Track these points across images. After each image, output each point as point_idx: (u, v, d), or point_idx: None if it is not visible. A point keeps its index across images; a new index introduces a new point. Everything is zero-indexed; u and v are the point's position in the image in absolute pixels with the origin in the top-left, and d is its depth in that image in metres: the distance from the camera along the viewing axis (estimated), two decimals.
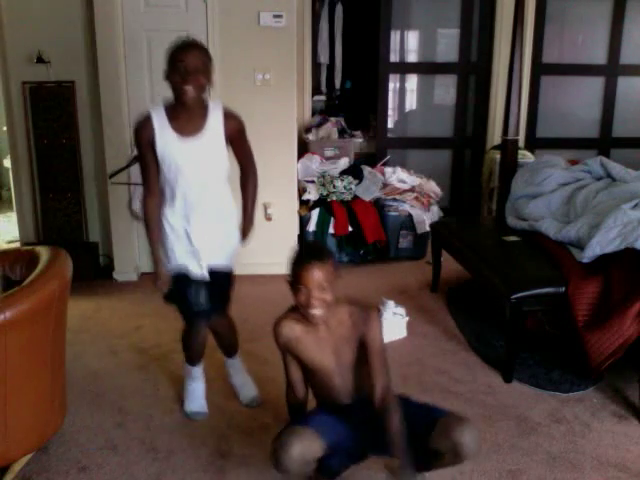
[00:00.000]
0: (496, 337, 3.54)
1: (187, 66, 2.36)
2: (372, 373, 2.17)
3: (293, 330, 2.21)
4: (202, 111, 2.50)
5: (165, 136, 2.46)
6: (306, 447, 2.03)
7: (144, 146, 2.49)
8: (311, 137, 5.47)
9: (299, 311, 2.16)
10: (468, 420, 2.09)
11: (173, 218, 2.56)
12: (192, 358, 2.85)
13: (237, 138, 2.58)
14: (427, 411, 2.18)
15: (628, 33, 5.84)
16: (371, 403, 2.18)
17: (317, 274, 2.05)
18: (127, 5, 4.18)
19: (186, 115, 2.47)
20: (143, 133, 2.48)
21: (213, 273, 2.62)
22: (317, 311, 2.09)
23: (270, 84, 4.39)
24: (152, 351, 3.45)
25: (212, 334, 2.88)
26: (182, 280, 2.60)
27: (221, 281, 2.68)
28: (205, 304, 2.63)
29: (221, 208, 2.62)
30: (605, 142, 6.10)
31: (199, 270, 2.59)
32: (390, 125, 6.11)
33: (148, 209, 2.57)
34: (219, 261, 2.63)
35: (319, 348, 2.20)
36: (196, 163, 2.50)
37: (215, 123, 2.50)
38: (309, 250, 2.18)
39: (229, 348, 2.95)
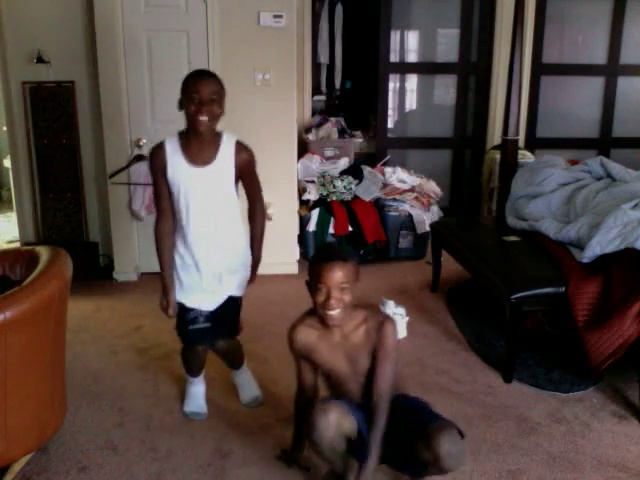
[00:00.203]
0: (496, 337, 3.54)
1: (202, 97, 2.38)
2: (375, 374, 2.14)
3: (308, 336, 2.19)
4: (215, 141, 2.52)
5: (176, 164, 2.49)
6: (343, 418, 2.06)
7: (157, 172, 2.52)
8: (311, 137, 5.47)
9: (313, 316, 2.15)
10: (452, 430, 2.03)
11: (182, 248, 2.58)
12: (192, 372, 2.87)
13: (247, 171, 2.60)
14: (419, 416, 2.16)
15: (628, 33, 5.85)
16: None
17: (338, 274, 2.03)
18: (127, 5, 4.18)
19: (199, 144, 2.49)
20: (156, 160, 2.51)
21: (222, 303, 2.65)
22: (335, 312, 2.06)
23: (270, 84, 4.38)
24: (152, 351, 3.45)
25: (220, 355, 2.88)
26: (184, 309, 2.63)
27: (229, 309, 2.70)
28: (204, 335, 2.67)
29: (230, 239, 2.62)
30: (605, 142, 6.10)
31: (205, 304, 2.62)
32: (390, 125, 6.11)
33: (160, 234, 2.58)
34: (228, 293, 2.65)
35: (334, 354, 2.19)
36: (205, 192, 2.51)
37: (226, 154, 2.52)
38: (331, 250, 2.17)
39: (233, 365, 2.96)
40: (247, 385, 2.97)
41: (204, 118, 2.40)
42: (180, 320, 2.67)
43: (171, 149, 2.49)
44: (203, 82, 2.42)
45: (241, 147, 2.56)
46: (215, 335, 2.73)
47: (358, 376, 2.19)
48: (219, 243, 2.58)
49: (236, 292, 2.68)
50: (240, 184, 2.65)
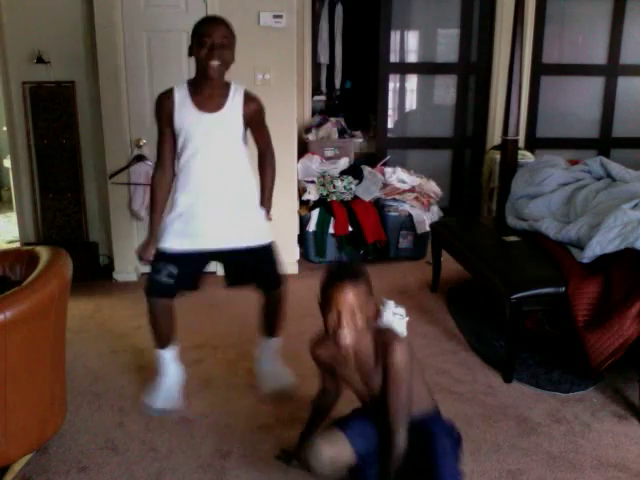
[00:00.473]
0: (496, 337, 3.54)
1: (213, 40, 2.39)
2: (386, 398, 2.07)
3: (325, 352, 2.18)
4: (224, 89, 2.52)
5: (184, 110, 2.48)
6: (337, 453, 2.05)
7: (162, 119, 2.51)
8: (311, 137, 5.47)
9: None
10: None
11: (187, 194, 2.56)
12: (161, 339, 2.78)
13: (256, 120, 2.61)
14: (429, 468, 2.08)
15: (628, 33, 5.85)
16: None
17: (349, 295, 1.95)
18: (127, 5, 4.17)
19: (208, 91, 2.49)
20: (163, 105, 2.50)
21: (243, 253, 2.62)
22: (346, 338, 1.98)
23: (270, 84, 4.38)
24: (152, 351, 3.44)
25: (260, 308, 2.84)
26: (161, 255, 2.62)
27: (262, 259, 2.68)
28: (168, 280, 2.61)
29: (238, 184, 2.61)
30: (605, 142, 6.10)
31: (193, 245, 2.58)
32: (390, 125, 6.11)
33: (159, 183, 2.58)
34: (236, 242, 2.62)
35: (348, 372, 2.17)
36: (213, 137, 2.51)
37: (236, 102, 2.53)
38: (342, 269, 2.08)
39: (270, 329, 2.88)
40: (274, 374, 2.90)
41: (215, 62, 2.40)
42: (150, 268, 2.65)
43: (179, 96, 2.49)
44: (214, 26, 2.44)
45: (250, 96, 2.58)
46: (178, 291, 2.67)
47: (374, 393, 2.15)
48: (228, 187, 2.58)
49: (258, 241, 2.65)
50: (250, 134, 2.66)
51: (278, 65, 4.36)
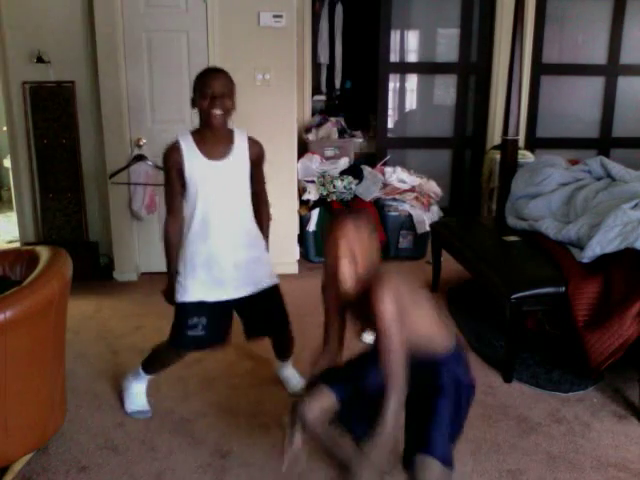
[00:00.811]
0: (496, 337, 3.54)
1: (214, 91, 2.44)
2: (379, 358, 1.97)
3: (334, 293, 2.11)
4: (228, 136, 2.58)
5: (193, 159, 2.52)
6: (316, 398, 2.06)
7: (172, 171, 2.54)
8: (311, 137, 5.47)
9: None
10: (434, 469, 1.96)
11: (200, 244, 2.58)
12: (155, 372, 2.85)
13: (257, 164, 2.66)
14: (419, 420, 2.04)
15: (628, 33, 5.85)
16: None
17: (350, 238, 1.91)
18: (127, 5, 4.18)
19: (213, 139, 2.54)
20: (172, 158, 2.53)
21: (256, 297, 2.67)
22: (346, 281, 1.95)
23: (270, 84, 4.38)
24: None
25: (272, 345, 2.96)
26: (186, 312, 2.63)
27: (273, 300, 2.74)
28: (199, 343, 2.68)
29: (247, 232, 2.66)
30: (605, 142, 6.10)
31: (229, 294, 2.63)
32: (390, 125, 6.10)
33: (173, 232, 2.61)
34: (262, 283, 2.68)
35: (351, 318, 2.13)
36: (223, 185, 2.56)
37: (241, 147, 2.58)
38: (345, 214, 2.02)
39: (282, 356, 3.03)
40: (294, 377, 3.02)
41: (218, 112, 2.45)
42: (179, 322, 2.66)
43: (186, 147, 2.52)
44: (215, 77, 2.49)
45: (253, 141, 2.64)
46: (210, 344, 2.75)
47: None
48: (238, 234, 2.62)
49: (270, 281, 2.71)
50: None
51: (278, 65, 4.36)
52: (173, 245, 2.63)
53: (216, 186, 2.54)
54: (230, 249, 2.60)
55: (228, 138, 2.57)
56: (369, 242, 1.96)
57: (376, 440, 1.94)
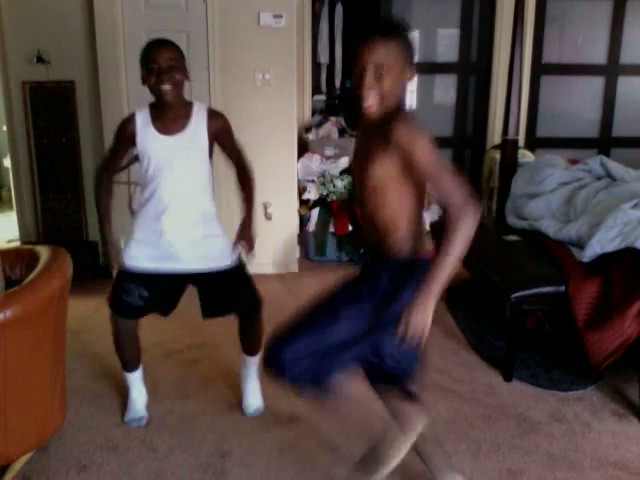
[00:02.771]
0: (496, 336, 3.53)
1: (160, 65, 2.36)
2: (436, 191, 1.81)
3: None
4: (186, 110, 2.50)
5: (146, 134, 2.48)
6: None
7: (121, 139, 2.52)
8: (311, 137, 5.47)
9: None
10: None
11: (151, 218, 2.55)
12: (125, 363, 2.79)
13: (224, 137, 2.57)
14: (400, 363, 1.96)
15: (628, 33, 5.85)
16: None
17: (377, 52, 1.72)
18: (127, 5, 4.18)
19: (169, 114, 2.48)
20: (125, 129, 2.51)
21: (215, 276, 2.60)
22: (368, 99, 1.77)
23: (270, 84, 4.39)
24: (152, 351, 3.44)
25: (238, 329, 2.84)
26: (125, 277, 2.60)
27: (231, 283, 2.66)
28: (134, 311, 2.62)
29: (202, 212, 2.58)
30: (605, 142, 6.10)
31: (168, 267, 2.56)
32: None
33: (102, 183, 2.61)
34: (211, 264, 2.59)
35: (355, 153, 1.99)
36: (176, 160, 2.49)
37: (198, 122, 2.50)
38: (377, 23, 1.86)
39: (248, 349, 2.87)
40: (252, 394, 2.89)
41: (166, 87, 2.38)
42: (116, 285, 2.63)
43: (141, 120, 2.49)
44: (158, 50, 2.39)
45: (213, 113, 2.56)
46: (145, 314, 2.67)
47: (365, 190, 1.90)
48: (192, 213, 2.55)
49: (222, 263, 2.60)
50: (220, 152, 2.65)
51: (278, 65, 4.37)
52: (102, 198, 2.62)
53: (169, 162, 2.48)
54: (182, 228, 2.53)
55: (186, 111, 2.49)
56: (399, 62, 1.77)
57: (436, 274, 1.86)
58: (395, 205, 1.85)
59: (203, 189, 2.58)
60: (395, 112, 1.80)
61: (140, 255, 2.57)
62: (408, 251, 1.91)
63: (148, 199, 2.55)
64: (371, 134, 1.85)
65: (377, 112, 1.80)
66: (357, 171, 1.96)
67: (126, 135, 2.49)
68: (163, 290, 2.66)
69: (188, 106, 2.52)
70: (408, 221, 1.88)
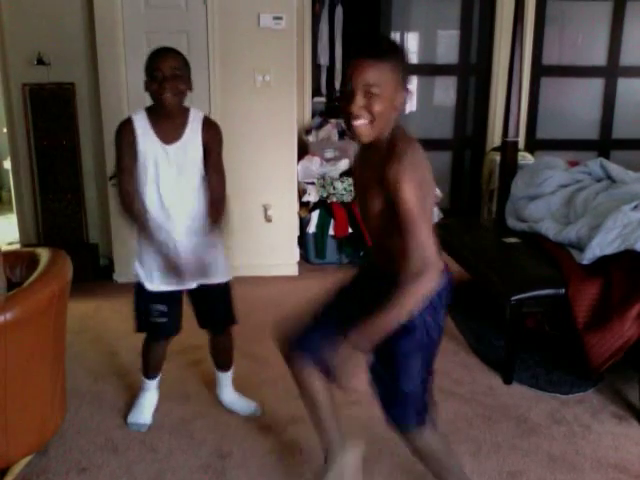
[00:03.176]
0: (496, 338, 3.53)
1: (164, 73, 2.35)
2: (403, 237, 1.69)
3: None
4: (183, 117, 2.50)
5: (147, 140, 2.46)
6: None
7: (124, 146, 2.47)
8: (311, 139, 5.47)
9: None
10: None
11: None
12: (148, 372, 2.82)
13: (212, 148, 2.54)
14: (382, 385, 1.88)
15: (628, 34, 5.85)
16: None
17: (367, 73, 1.64)
18: (127, 6, 4.18)
19: (167, 122, 2.47)
20: (125, 135, 2.47)
21: (204, 290, 2.60)
22: (359, 124, 1.68)
23: (270, 86, 4.39)
24: None
25: (209, 346, 2.86)
26: (147, 297, 2.60)
27: (214, 298, 2.67)
28: (170, 322, 2.63)
29: (198, 220, 2.56)
30: (605, 144, 6.10)
31: (179, 284, 2.55)
32: None
33: (134, 198, 2.47)
34: (207, 276, 2.55)
35: (356, 179, 1.94)
36: (174, 169, 2.49)
37: (193, 131, 2.50)
38: (368, 42, 1.75)
39: (223, 364, 2.90)
40: (239, 401, 2.90)
41: (168, 95, 2.37)
42: (143, 308, 2.62)
43: (140, 126, 2.46)
44: (163, 58, 2.38)
45: (208, 123, 2.54)
46: (173, 331, 2.68)
47: (368, 217, 1.84)
48: (194, 219, 2.54)
49: (223, 277, 2.62)
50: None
51: (278, 67, 4.37)
52: (134, 204, 2.46)
53: (170, 170, 2.47)
54: (186, 234, 2.52)
55: (182, 118, 2.48)
56: (391, 86, 1.69)
57: (368, 326, 1.67)
58: (396, 236, 1.74)
59: (201, 199, 2.57)
60: (391, 140, 1.73)
61: (156, 275, 2.56)
62: None
63: (152, 207, 2.53)
64: (368, 161, 1.79)
65: (369, 136, 1.72)
66: (359, 193, 1.88)
67: (128, 141, 2.46)
68: (175, 305, 2.66)
69: (185, 113, 2.51)
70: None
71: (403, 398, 1.89)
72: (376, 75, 1.65)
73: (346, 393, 1.77)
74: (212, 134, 2.53)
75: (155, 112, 2.48)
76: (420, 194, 1.66)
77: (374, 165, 1.72)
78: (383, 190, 1.69)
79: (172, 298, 2.61)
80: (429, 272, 1.67)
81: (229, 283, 2.70)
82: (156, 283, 2.57)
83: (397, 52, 1.73)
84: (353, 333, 1.68)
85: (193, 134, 2.50)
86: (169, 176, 2.49)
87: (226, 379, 2.91)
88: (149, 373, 2.82)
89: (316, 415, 2.16)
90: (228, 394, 2.92)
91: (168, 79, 2.35)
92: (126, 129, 2.47)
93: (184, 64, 2.44)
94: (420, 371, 1.88)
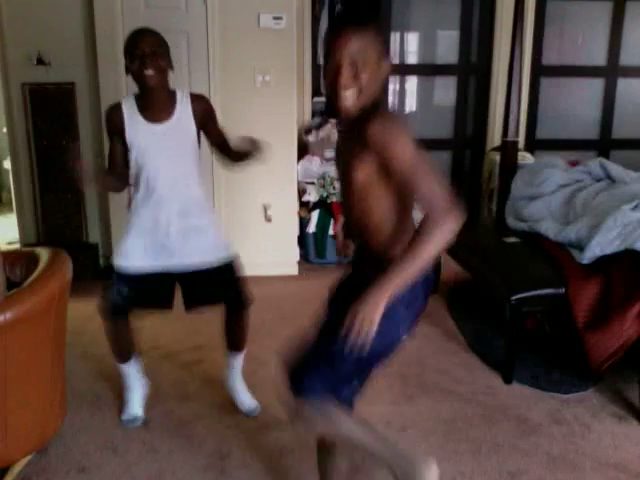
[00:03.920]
0: (496, 338, 3.54)
1: (143, 51, 2.37)
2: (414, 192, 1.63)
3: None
4: (170, 98, 2.52)
5: (134, 123, 2.48)
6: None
7: (114, 133, 2.52)
8: (311, 138, 5.47)
9: None
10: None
11: (143, 208, 2.56)
12: (119, 354, 2.77)
13: (208, 119, 2.58)
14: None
15: (628, 34, 5.85)
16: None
17: (352, 45, 1.65)
18: (127, 6, 4.18)
19: (154, 102, 2.49)
20: (112, 120, 2.51)
21: (202, 272, 2.59)
22: (346, 98, 1.67)
23: (270, 85, 4.39)
24: (152, 352, 3.45)
25: (224, 324, 2.81)
26: (121, 275, 2.60)
27: (221, 278, 2.65)
28: (123, 300, 2.61)
29: (193, 198, 2.58)
30: (605, 143, 6.10)
31: (165, 262, 2.56)
32: None
33: (116, 165, 2.60)
34: (203, 258, 2.58)
35: (337, 154, 1.89)
36: (167, 150, 2.50)
37: (183, 107, 2.52)
38: (348, 17, 1.79)
39: (232, 344, 2.85)
40: (245, 393, 2.90)
41: (150, 72, 2.38)
42: (111, 284, 2.62)
43: (128, 109, 2.49)
44: (141, 37, 2.41)
45: (196, 95, 2.57)
46: (134, 309, 2.67)
47: (348, 194, 1.79)
48: (184, 200, 2.55)
49: (212, 257, 2.60)
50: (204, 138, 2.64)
51: (278, 66, 4.37)
52: (116, 169, 2.60)
53: (159, 150, 2.48)
54: (176, 216, 2.53)
55: (171, 99, 2.50)
56: (374, 55, 1.70)
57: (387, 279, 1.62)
58: (380, 210, 1.73)
59: (193, 176, 2.59)
60: (372, 110, 1.69)
61: (133, 253, 2.58)
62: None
63: (139, 190, 2.55)
64: (349, 136, 1.76)
65: (356, 107, 1.69)
66: (340, 175, 1.87)
67: (115, 124, 2.50)
68: (152, 285, 2.63)
69: (172, 94, 2.53)
70: (396, 224, 1.76)
71: (324, 358, 1.81)
72: (360, 45, 1.66)
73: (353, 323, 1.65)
74: (203, 105, 2.57)
75: (142, 96, 2.50)
76: (413, 146, 1.61)
77: (356, 137, 1.67)
78: (370, 157, 1.64)
79: (153, 277, 2.59)
80: (448, 220, 1.58)
81: (233, 260, 2.67)
82: (132, 261, 2.58)
83: (374, 24, 1.77)
84: (380, 281, 1.63)
85: (184, 110, 2.51)
86: (159, 157, 2.49)
87: (236, 361, 2.86)
88: (119, 355, 2.76)
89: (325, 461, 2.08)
90: (236, 380, 2.88)
91: (148, 55, 2.37)
92: (113, 112, 2.52)
93: (162, 42, 2.46)
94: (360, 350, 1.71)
